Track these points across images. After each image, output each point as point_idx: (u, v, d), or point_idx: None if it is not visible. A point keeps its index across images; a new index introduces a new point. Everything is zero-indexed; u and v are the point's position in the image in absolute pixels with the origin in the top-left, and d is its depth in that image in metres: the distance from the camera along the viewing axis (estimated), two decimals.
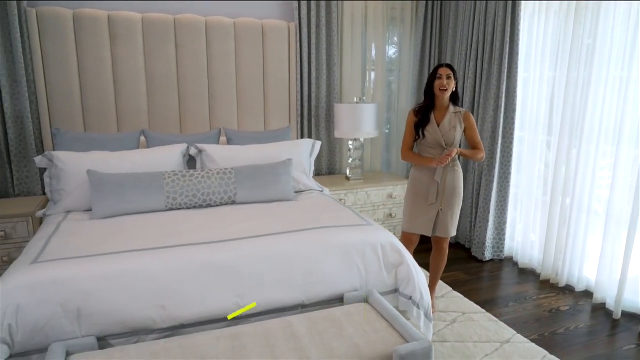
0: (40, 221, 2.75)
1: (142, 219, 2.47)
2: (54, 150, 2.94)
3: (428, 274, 2.94)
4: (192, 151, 3.04)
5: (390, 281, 2.24)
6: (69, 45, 3.04)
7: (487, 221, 3.65)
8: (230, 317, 1.94)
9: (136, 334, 1.84)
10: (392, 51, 4.21)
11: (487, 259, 3.70)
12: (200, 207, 2.73)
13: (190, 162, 3.09)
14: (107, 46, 3.14)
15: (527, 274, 3.48)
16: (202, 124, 3.49)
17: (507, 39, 3.38)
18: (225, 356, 1.64)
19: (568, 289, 3.20)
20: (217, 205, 2.75)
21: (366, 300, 2.08)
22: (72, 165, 2.68)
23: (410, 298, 2.21)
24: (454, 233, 2.73)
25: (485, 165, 3.65)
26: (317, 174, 4.01)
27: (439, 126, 2.62)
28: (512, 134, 3.48)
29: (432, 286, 2.85)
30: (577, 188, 3.10)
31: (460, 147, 2.71)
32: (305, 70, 3.73)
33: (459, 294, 3.06)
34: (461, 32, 3.87)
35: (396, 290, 2.26)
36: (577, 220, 3.13)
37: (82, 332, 1.76)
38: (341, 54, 3.93)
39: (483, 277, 3.43)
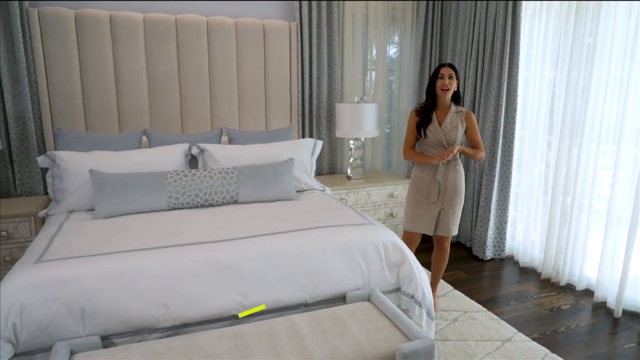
0: (43, 221, 2.76)
1: (145, 218, 2.48)
2: (55, 150, 2.94)
3: (429, 273, 2.95)
4: (194, 151, 3.05)
5: (393, 280, 2.25)
6: (70, 45, 3.05)
7: (488, 220, 3.66)
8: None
9: (139, 333, 1.84)
10: (392, 51, 4.22)
11: (488, 258, 3.71)
12: (203, 206, 2.73)
13: (192, 161, 3.09)
14: (109, 46, 3.15)
15: (527, 272, 3.49)
16: (204, 123, 3.49)
17: (508, 39, 3.38)
18: (229, 355, 1.65)
19: (569, 288, 3.21)
20: (219, 205, 2.76)
21: (368, 299, 2.09)
22: (75, 165, 2.69)
23: (413, 297, 2.21)
24: (455, 232, 2.74)
25: (486, 165, 3.66)
26: (318, 173, 4.02)
27: (440, 125, 2.62)
28: (512, 134, 3.49)
29: (433, 285, 2.86)
30: (578, 187, 3.11)
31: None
32: (307, 70, 3.74)
33: (460, 293, 3.07)
34: (462, 32, 3.88)
35: (398, 289, 2.27)
36: (577, 219, 3.14)
37: (85, 331, 1.77)
38: (342, 54, 3.93)
39: (484, 276, 3.43)
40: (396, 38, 4.20)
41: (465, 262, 3.69)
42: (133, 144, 3.03)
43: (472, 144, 2.72)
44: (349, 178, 3.85)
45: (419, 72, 4.11)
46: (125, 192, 2.55)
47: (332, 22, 3.76)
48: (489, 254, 3.71)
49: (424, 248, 3.22)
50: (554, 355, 2.38)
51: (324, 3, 3.69)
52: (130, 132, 3.15)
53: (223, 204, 2.77)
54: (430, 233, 2.73)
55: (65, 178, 2.68)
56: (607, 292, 2.95)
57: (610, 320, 2.79)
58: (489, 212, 3.65)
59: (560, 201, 3.26)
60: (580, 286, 3.17)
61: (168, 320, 1.86)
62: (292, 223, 2.35)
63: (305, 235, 2.20)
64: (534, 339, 2.54)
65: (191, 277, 1.91)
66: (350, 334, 1.78)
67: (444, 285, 3.17)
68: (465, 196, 3.27)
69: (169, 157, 2.91)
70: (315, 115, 3.88)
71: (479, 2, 3.63)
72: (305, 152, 3.26)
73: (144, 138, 3.15)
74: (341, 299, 2.15)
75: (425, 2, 4.00)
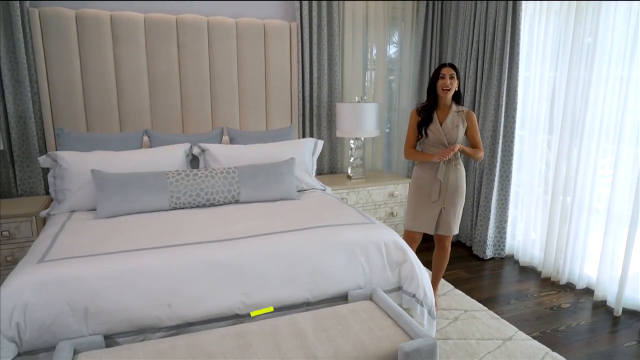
0: (44, 221, 2.76)
1: (146, 218, 2.48)
2: (56, 150, 2.95)
3: (430, 272, 2.96)
4: (195, 150, 3.05)
5: (394, 279, 2.26)
6: (71, 45, 3.05)
7: (488, 219, 3.67)
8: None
9: (142, 332, 1.85)
10: (392, 51, 4.23)
11: (488, 257, 3.72)
12: (204, 206, 2.74)
13: (193, 161, 3.10)
14: (110, 46, 3.15)
15: (528, 272, 3.50)
16: (204, 123, 3.50)
17: (508, 39, 3.39)
18: (232, 354, 1.65)
19: (569, 287, 3.22)
20: (221, 204, 2.76)
21: (370, 298, 2.09)
22: (76, 165, 2.69)
23: (414, 296, 2.22)
24: (456, 231, 2.75)
25: (486, 164, 3.67)
26: (319, 173, 4.03)
27: (441, 125, 2.63)
28: (512, 133, 3.50)
29: (434, 284, 2.87)
30: (578, 186, 3.12)
31: None
32: (307, 69, 3.74)
33: (460, 292, 3.08)
34: (462, 32, 3.88)
35: (400, 288, 2.28)
36: (577, 218, 3.15)
37: (89, 331, 1.77)
38: (342, 54, 3.94)
39: (484, 275, 3.44)
40: (396, 38, 4.20)
41: (466, 261, 3.70)
42: (134, 144, 3.03)
43: (472, 143, 2.73)
44: (349, 178, 3.86)
45: (419, 72, 4.12)
46: (126, 192, 2.56)
47: (333, 22, 3.77)
48: (489, 253, 3.72)
49: (425, 247, 3.22)
50: (555, 354, 2.39)
51: (324, 3, 3.69)
52: (131, 132, 3.15)
53: (224, 203, 2.77)
54: (431, 232, 2.74)
55: (67, 178, 2.68)
56: (607, 290, 2.96)
57: (610, 318, 2.80)
58: (489, 212, 3.66)
59: (560, 200, 3.27)
60: (581, 285, 3.18)
61: (171, 319, 1.87)
62: (293, 222, 2.36)
63: (306, 234, 2.21)
64: (534, 338, 2.55)
65: (193, 277, 1.92)
66: (353, 333, 1.79)
67: (444, 284, 3.18)
68: (465, 195, 3.28)
69: (170, 157, 2.92)
70: (315, 115, 3.88)
71: (479, 2, 3.64)
72: (306, 151, 3.26)
73: (145, 138, 3.15)
74: (343, 298, 2.16)
75: (425, 2, 4.01)
